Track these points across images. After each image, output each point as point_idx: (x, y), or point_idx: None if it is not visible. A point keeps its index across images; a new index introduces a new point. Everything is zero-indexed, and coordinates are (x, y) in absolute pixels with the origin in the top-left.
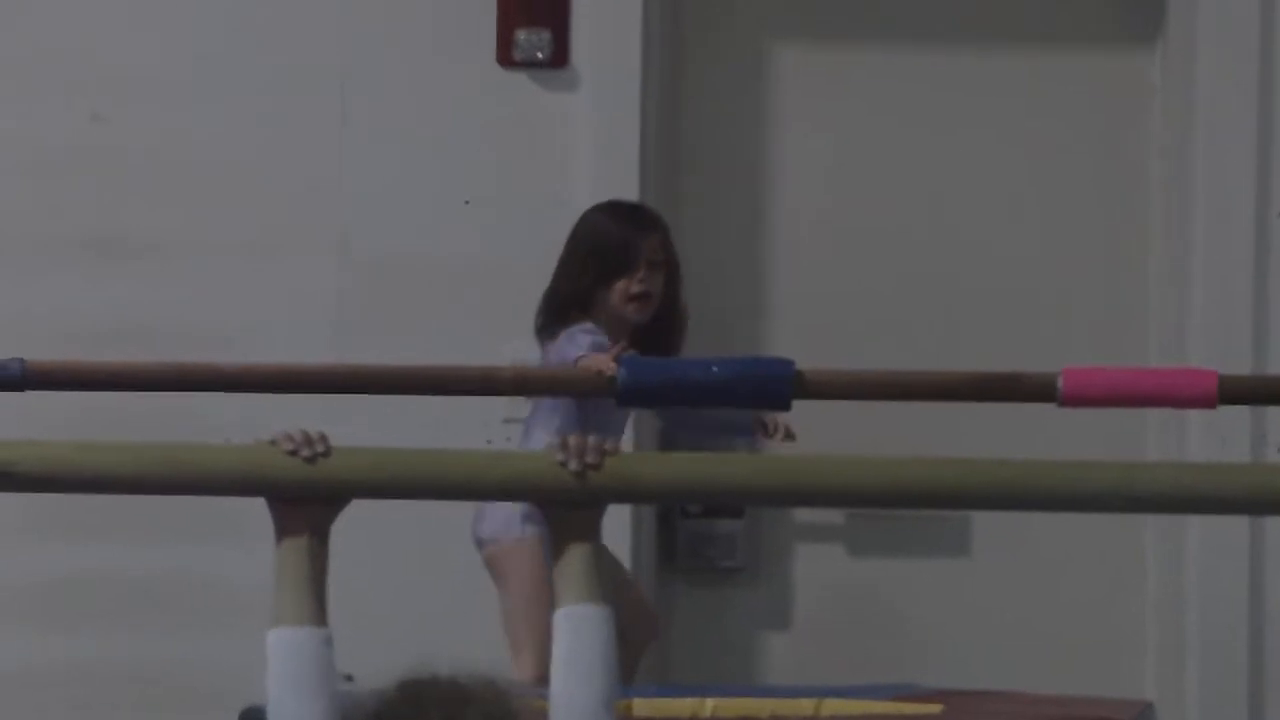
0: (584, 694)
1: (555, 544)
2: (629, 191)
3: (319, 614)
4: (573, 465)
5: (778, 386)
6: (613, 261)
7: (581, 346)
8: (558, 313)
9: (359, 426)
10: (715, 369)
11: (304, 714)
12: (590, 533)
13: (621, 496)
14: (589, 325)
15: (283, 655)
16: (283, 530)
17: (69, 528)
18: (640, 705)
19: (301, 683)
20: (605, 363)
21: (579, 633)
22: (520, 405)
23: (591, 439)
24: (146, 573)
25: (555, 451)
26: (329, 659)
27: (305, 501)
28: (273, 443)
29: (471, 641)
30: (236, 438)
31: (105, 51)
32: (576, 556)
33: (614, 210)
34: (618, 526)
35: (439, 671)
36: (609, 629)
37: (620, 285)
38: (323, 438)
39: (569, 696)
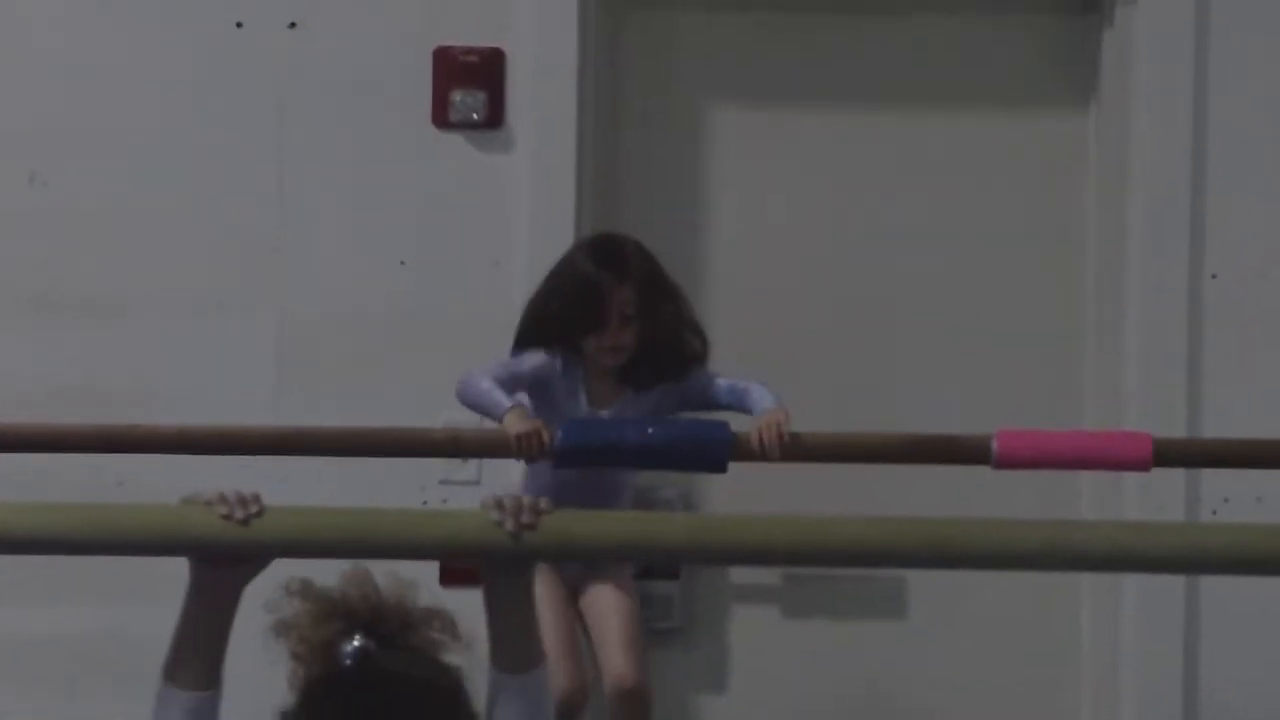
0: None
1: (489, 603)
2: (561, 245)
3: (211, 678)
4: (508, 525)
5: (715, 450)
6: (584, 314)
7: (515, 367)
8: (525, 338)
9: (296, 487)
10: (651, 432)
11: None
12: (526, 593)
13: (557, 555)
14: (538, 358)
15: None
16: (200, 589)
17: (2, 590)
18: None
19: None
20: (523, 428)
21: (525, 696)
22: (457, 467)
23: (527, 499)
24: (85, 635)
25: (490, 510)
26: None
27: (227, 562)
28: (207, 504)
29: None
30: (174, 500)
31: (42, 113)
32: (516, 620)
33: (595, 254)
34: None
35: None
36: (547, 686)
37: (592, 339)
38: (256, 498)
39: None
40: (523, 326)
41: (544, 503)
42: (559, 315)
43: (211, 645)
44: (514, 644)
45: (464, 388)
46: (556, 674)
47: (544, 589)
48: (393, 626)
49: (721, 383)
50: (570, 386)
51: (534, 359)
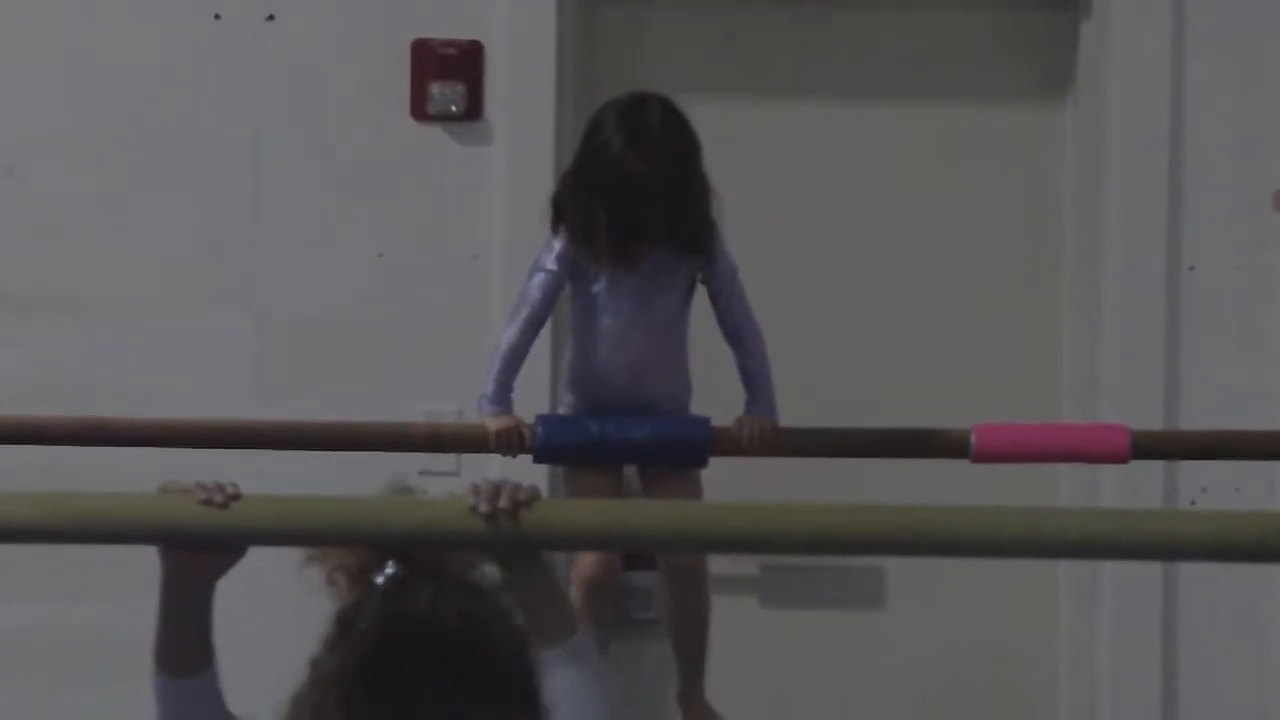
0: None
1: (510, 584)
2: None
3: (205, 660)
4: (483, 508)
5: (695, 445)
6: (619, 208)
7: (535, 269)
8: (555, 214)
9: (277, 481)
10: (631, 430)
11: None
12: (539, 564)
13: (535, 543)
14: (558, 249)
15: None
16: (171, 581)
17: None
18: None
19: None
20: (501, 425)
21: (574, 665)
22: (437, 459)
23: (506, 484)
24: (68, 628)
25: (467, 495)
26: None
27: (203, 551)
28: (185, 491)
29: None
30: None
31: (15, 107)
32: (540, 593)
33: (622, 124)
34: None
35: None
36: (592, 650)
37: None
38: (234, 486)
39: None
40: (565, 218)
41: (525, 490)
42: (609, 231)
43: (195, 632)
44: (545, 615)
45: (508, 333)
46: (585, 557)
47: (591, 481)
48: (426, 554)
49: (737, 311)
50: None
51: (553, 269)
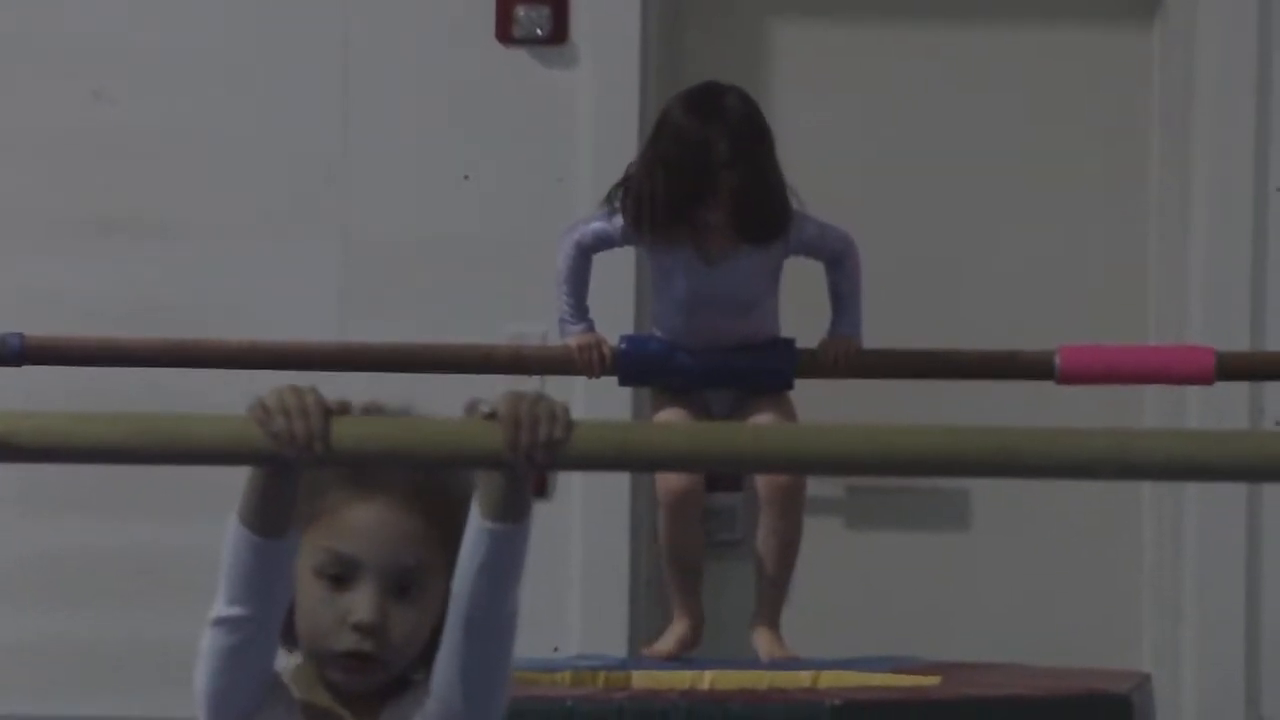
0: (501, 600)
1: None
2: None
3: (283, 526)
4: (519, 453)
5: (780, 365)
6: (688, 182)
7: (598, 218)
8: (633, 219)
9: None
10: (715, 350)
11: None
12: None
13: (569, 465)
14: (621, 224)
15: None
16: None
17: (53, 503)
18: (640, 678)
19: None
20: (584, 341)
21: (499, 548)
22: (520, 383)
23: (543, 410)
24: (131, 548)
25: (500, 427)
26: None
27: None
28: (260, 423)
29: None
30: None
31: (107, 30)
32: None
33: (689, 104)
34: (616, 498)
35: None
36: (524, 545)
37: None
38: (318, 402)
39: (486, 602)
40: (631, 213)
41: (560, 424)
42: (666, 194)
43: (283, 497)
44: (499, 490)
45: (560, 258)
46: (668, 474)
47: (673, 412)
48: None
49: (835, 245)
50: (679, 245)
51: (611, 233)
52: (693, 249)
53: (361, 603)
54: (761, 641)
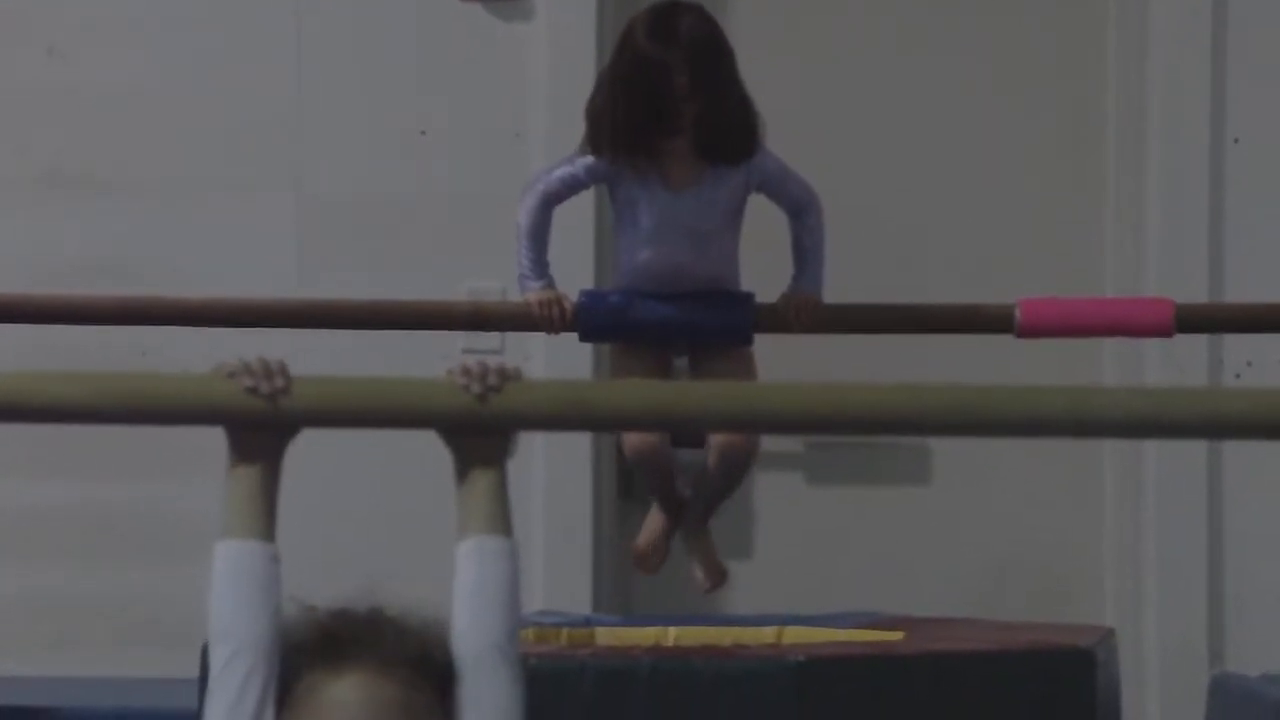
0: (490, 625)
1: (459, 470)
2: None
3: (267, 531)
4: (474, 389)
5: (739, 320)
6: (649, 108)
7: (563, 163)
8: (596, 146)
9: (320, 359)
10: (675, 304)
11: (242, 623)
12: (496, 459)
13: (522, 423)
14: (590, 162)
15: (227, 566)
16: (236, 454)
17: (33, 462)
18: (603, 634)
19: (243, 593)
20: (543, 296)
21: (484, 565)
22: (480, 337)
23: (494, 362)
24: (112, 506)
25: (456, 376)
26: (274, 574)
27: (260, 429)
28: (231, 375)
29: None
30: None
31: None
32: (483, 485)
33: (649, 23)
34: (578, 457)
35: (372, 603)
36: (515, 562)
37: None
38: (283, 369)
39: (474, 628)
40: (591, 135)
41: (512, 368)
42: (627, 119)
43: (259, 500)
44: (480, 506)
45: (522, 213)
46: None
47: (635, 365)
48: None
49: (796, 193)
50: (643, 173)
51: (579, 175)
52: (656, 175)
53: None
54: (696, 542)
